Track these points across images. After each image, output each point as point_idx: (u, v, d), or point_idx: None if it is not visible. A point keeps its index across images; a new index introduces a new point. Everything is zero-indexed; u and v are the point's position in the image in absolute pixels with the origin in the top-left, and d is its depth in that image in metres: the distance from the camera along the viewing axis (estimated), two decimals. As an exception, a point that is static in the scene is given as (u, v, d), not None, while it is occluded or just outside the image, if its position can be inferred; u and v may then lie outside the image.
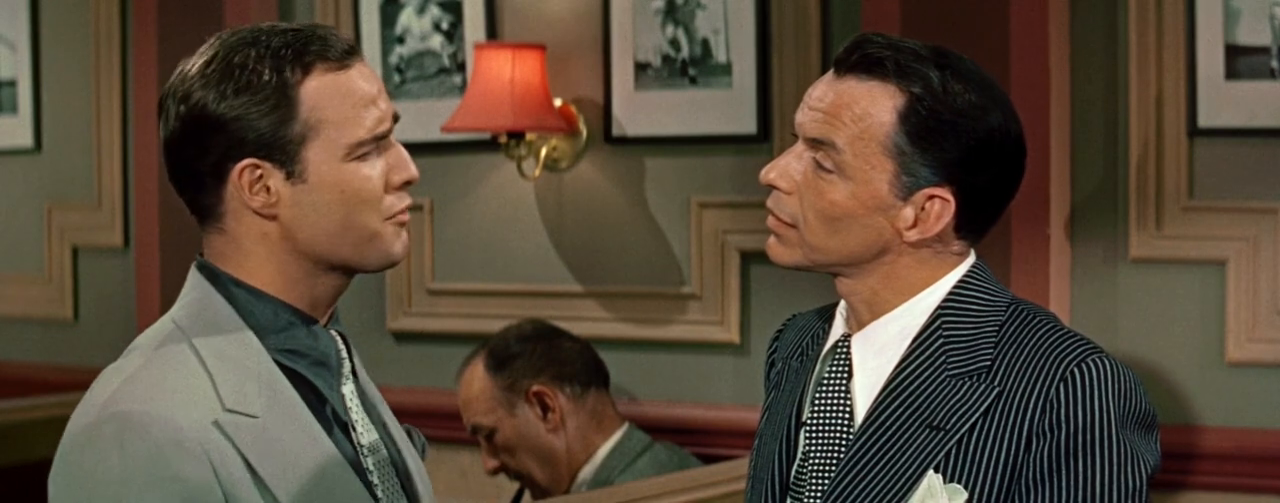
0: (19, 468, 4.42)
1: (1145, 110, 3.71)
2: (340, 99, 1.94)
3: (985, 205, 2.04)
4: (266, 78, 1.92)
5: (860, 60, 2.02)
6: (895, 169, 2.00)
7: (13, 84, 5.35)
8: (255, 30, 1.96)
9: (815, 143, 2.02)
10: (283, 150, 1.93)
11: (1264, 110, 3.60)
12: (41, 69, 5.31)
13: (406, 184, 1.99)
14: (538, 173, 4.38)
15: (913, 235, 2.02)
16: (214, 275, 1.98)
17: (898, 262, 2.04)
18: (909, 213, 2.01)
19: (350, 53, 1.96)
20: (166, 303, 5.51)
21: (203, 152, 1.93)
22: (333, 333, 2.02)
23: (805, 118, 2.03)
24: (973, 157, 2.00)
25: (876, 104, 2.00)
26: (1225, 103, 3.64)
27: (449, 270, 4.59)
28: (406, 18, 4.60)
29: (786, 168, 2.04)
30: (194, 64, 1.95)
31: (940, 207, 2.01)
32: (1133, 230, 3.74)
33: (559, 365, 3.92)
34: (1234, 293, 3.66)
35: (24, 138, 5.33)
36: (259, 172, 1.93)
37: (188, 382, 1.90)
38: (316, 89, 1.93)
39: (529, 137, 4.31)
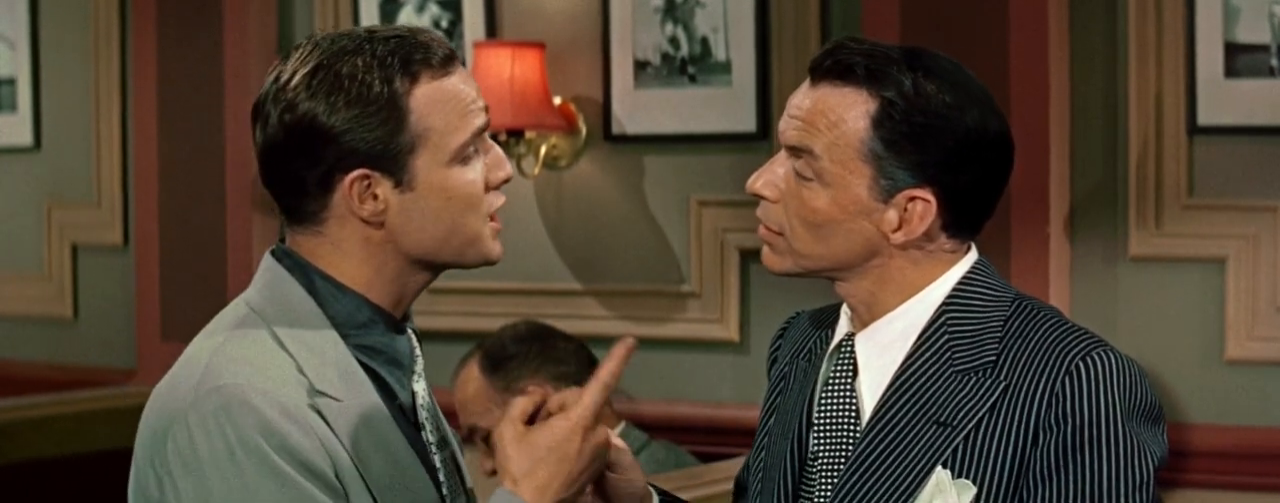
0: (19, 467, 4.41)
1: (1145, 109, 3.71)
2: (445, 106, 1.94)
3: (970, 204, 2.04)
4: (377, 89, 1.91)
5: (832, 66, 2.03)
6: (873, 174, 2.00)
7: (12, 82, 5.35)
8: (356, 37, 1.95)
9: (795, 150, 2.03)
10: (393, 160, 1.92)
11: (1263, 108, 3.61)
12: (41, 67, 5.31)
13: (504, 182, 2.00)
14: (537, 171, 4.38)
15: (899, 237, 2.02)
16: (295, 265, 1.97)
17: (889, 264, 2.04)
18: (892, 216, 2.01)
19: (451, 57, 1.97)
20: (166, 301, 5.48)
21: (312, 161, 1.93)
22: (408, 331, 2.03)
23: (785, 125, 2.05)
24: (950, 157, 2.00)
25: (850, 111, 2.00)
26: (1225, 101, 3.64)
27: (448, 269, 4.58)
28: (406, 16, 4.60)
29: (771, 177, 2.05)
30: (295, 72, 1.93)
31: (923, 208, 2.01)
32: (1132, 229, 3.74)
33: (554, 365, 3.92)
34: (1233, 291, 3.66)
35: (23, 136, 5.33)
36: (368, 181, 1.93)
37: (275, 361, 1.90)
38: (423, 98, 1.93)
39: (528, 135, 4.31)
